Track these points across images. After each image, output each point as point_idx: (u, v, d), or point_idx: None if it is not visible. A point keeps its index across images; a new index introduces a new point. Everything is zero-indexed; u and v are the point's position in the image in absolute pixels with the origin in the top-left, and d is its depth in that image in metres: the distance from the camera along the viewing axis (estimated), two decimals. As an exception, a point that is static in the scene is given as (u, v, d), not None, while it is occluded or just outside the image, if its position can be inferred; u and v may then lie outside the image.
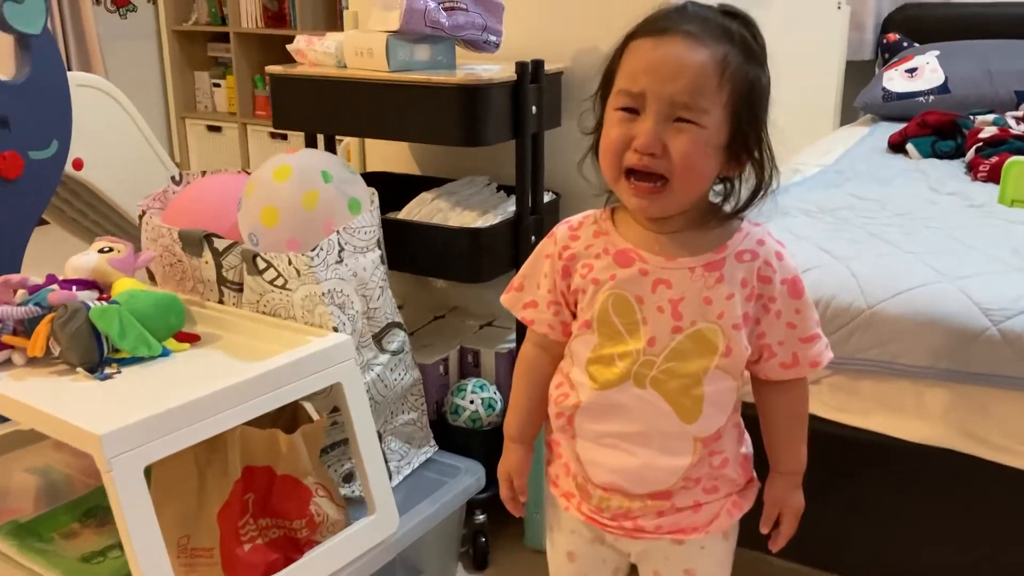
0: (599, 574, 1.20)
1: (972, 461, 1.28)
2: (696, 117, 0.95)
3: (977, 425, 1.27)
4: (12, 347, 1.41)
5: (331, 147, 1.99)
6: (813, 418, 1.37)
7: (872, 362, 1.33)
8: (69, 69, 4.23)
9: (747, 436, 1.16)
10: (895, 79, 2.81)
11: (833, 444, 1.37)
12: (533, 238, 1.74)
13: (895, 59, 3.02)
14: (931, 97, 2.70)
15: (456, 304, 2.05)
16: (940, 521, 1.35)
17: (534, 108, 1.70)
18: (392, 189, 1.98)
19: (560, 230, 1.11)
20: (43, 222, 2.53)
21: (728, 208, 1.04)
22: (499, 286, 1.76)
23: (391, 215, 1.87)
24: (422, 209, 1.77)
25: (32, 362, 1.40)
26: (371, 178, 2.07)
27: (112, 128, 2.73)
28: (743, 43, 0.98)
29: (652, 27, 0.99)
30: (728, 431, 1.08)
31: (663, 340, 1.02)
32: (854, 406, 1.36)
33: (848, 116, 3.05)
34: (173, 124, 4.76)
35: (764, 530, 1.13)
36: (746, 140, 0.99)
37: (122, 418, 1.17)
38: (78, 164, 2.65)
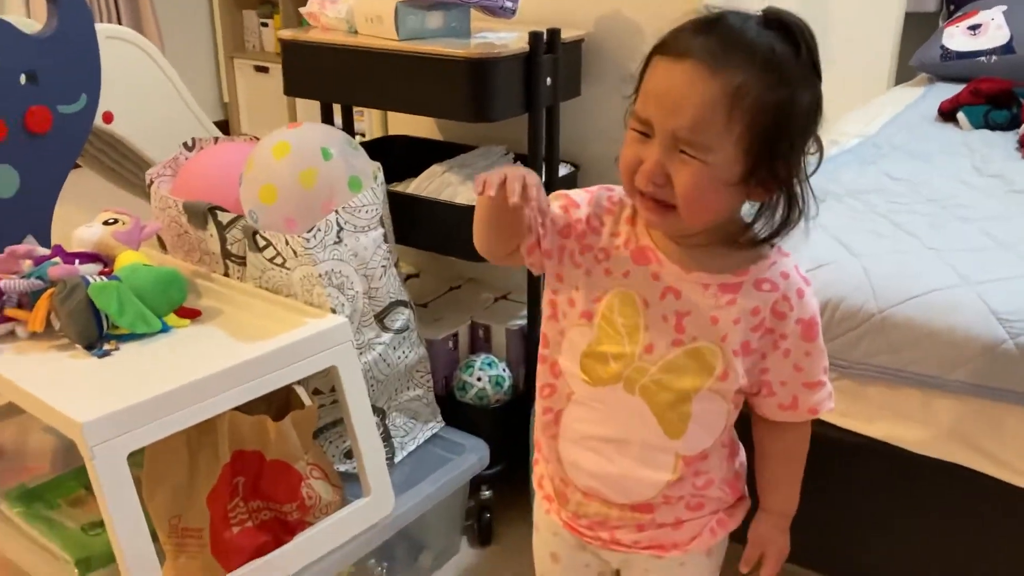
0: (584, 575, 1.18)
1: (979, 477, 1.22)
2: (699, 153, 0.89)
3: (987, 441, 1.21)
4: (15, 320, 1.43)
5: (348, 114, 1.95)
6: (820, 424, 1.34)
7: (881, 368, 1.27)
8: (117, 10, 4.24)
9: (741, 451, 1.12)
10: (956, 36, 2.64)
11: (834, 449, 1.32)
12: (546, 214, 1.69)
13: (960, 12, 2.84)
14: (993, 57, 2.53)
15: (472, 275, 2.01)
16: (939, 535, 1.31)
17: (549, 80, 1.63)
18: (412, 154, 1.94)
19: (603, 195, 1.03)
20: (77, 166, 2.54)
21: (755, 233, 0.97)
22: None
23: (406, 183, 1.84)
24: (432, 183, 1.72)
25: (35, 335, 1.42)
26: (390, 143, 2.03)
27: (142, 81, 2.72)
28: (771, 64, 0.88)
29: (672, 47, 0.91)
30: (716, 451, 1.04)
31: (660, 350, 0.98)
32: (859, 412, 1.31)
33: (904, 75, 2.89)
34: (222, 64, 4.75)
35: (743, 569, 1.09)
36: (772, 169, 0.91)
37: (106, 405, 1.18)
38: (108, 117, 2.66)
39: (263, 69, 4.60)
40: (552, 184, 1.72)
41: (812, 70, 0.92)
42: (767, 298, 0.97)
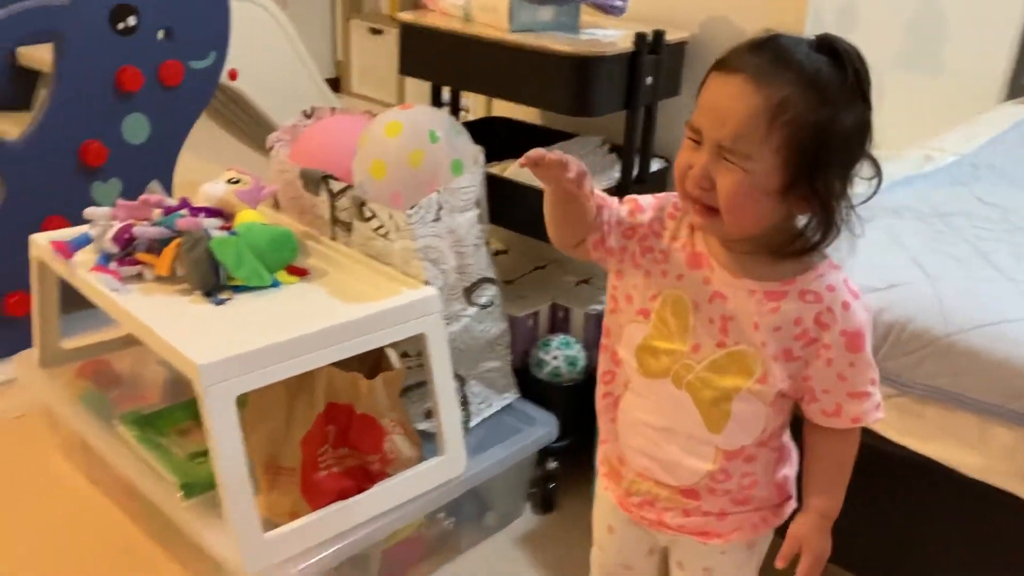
0: (636, 551, 1.27)
1: (1026, 505, 1.26)
2: (740, 161, 0.95)
3: (1040, 471, 1.25)
4: (145, 263, 1.59)
5: (456, 97, 2.05)
6: (873, 435, 1.39)
7: (940, 391, 1.31)
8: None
9: (793, 458, 1.18)
10: (1076, 55, 2.57)
11: (892, 462, 1.38)
12: (635, 207, 1.76)
13: (1085, 29, 2.75)
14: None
15: (557, 258, 2.10)
16: (984, 560, 1.34)
17: (649, 79, 1.70)
18: (512, 136, 2.04)
19: (670, 202, 1.11)
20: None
21: (799, 245, 1.02)
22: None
23: (504, 164, 1.94)
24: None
25: (160, 279, 1.57)
26: (493, 124, 2.13)
27: (266, 41, 2.89)
28: (815, 84, 0.94)
29: (727, 63, 0.98)
30: (762, 454, 1.11)
31: (706, 350, 1.06)
32: (916, 430, 1.35)
33: (1017, 91, 2.82)
34: (338, 24, 4.91)
35: (779, 565, 1.10)
36: (810, 186, 0.97)
37: (221, 351, 1.32)
38: (233, 74, 2.83)
39: (377, 31, 4.74)
40: (644, 177, 1.79)
41: (859, 95, 0.96)
42: (810, 309, 1.02)
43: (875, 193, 1.02)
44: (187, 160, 2.59)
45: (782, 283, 1.03)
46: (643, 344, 1.10)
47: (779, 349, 1.03)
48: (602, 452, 1.23)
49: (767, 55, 0.96)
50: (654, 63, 1.70)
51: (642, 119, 1.75)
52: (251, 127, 3.05)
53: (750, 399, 1.06)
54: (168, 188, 2.54)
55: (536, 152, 1.00)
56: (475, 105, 2.64)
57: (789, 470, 1.17)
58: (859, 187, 1.02)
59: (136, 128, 2.38)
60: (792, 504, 1.18)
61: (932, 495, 1.38)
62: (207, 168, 2.95)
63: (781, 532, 1.20)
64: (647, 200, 1.13)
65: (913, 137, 2.45)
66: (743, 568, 1.20)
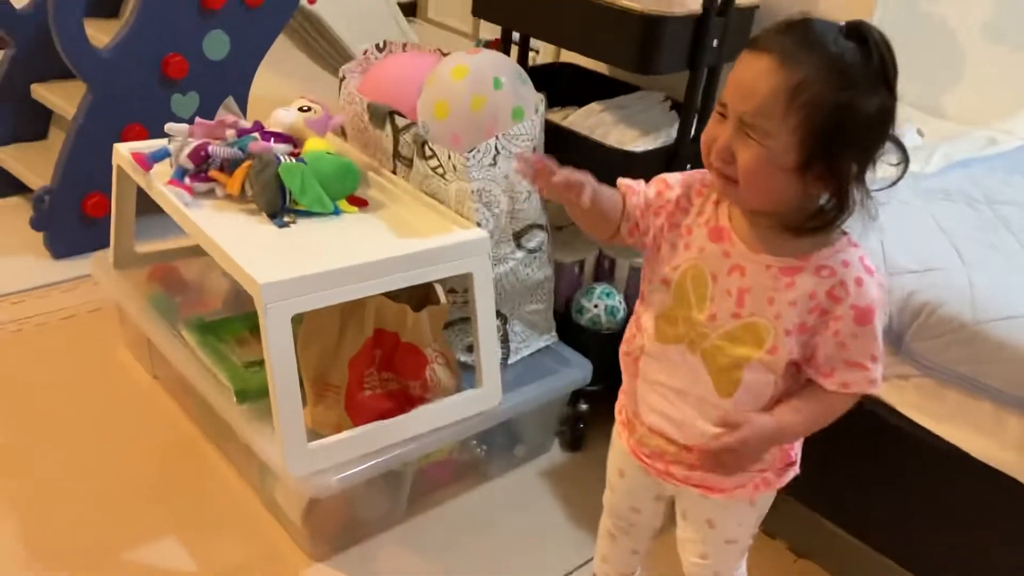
0: (643, 495, 1.36)
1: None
2: (759, 137, 1.00)
3: (1049, 463, 1.29)
4: (216, 181, 1.68)
5: (526, 39, 2.09)
6: (892, 411, 1.45)
7: (962, 376, 1.36)
8: None
9: None
10: None
11: (907, 441, 1.43)
12: (688, 166, 1.80)
13: None
14: None
15: (609, 207, 2.15)
16: (986, 540, 1.40)
17: (715, 42, 1.72)
18: (578, 82, 2.08)
19: (697, 176, 1.17)
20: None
21: (817, 222, 1.06)
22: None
23: (567, 110, 1.99)
24: (588, 120, 1.86)
25: (230, 197, 1.67)
26: (560, 69, 2.17)
27: (347, -31, 2.93)
28: (836, 67, 0.97)
29: (757, 42, 1.02)
30: None
31: (721, 320, 1.12)
32: (934, 411, 1.40)
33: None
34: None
35: (705, 451, 1.13)
36: (827, 165, 1.01)
37: (282, 272, 1.42)
38: (312, -1, 2.89)
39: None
40: (699, 137, 1.83)
41: (883, 82, 0.99)
42: (824, 283, 1.07)
43: (901, 178, 1.05)
44: (262, 74, 2.68)
45: (798, 259, 1.08)
46: (663, 312, 1.16)
47: (793, 323, 1.08)
48: (620, 403, 1.31)
49: (795, 37, 0.99)
50: (721, 25, 1.72)
51: (704, 80, 1.78)
52: (325, 49, 3.12)
53: (760, 368, 1.11)
54: (243, 105, 2.64)
55: (522, 157, 1.11)
56: (544, 48, 2.67)
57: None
58: (887, 170, 1.06)
59: (217, 45, 2.46)
60: (795, 470, 1.24)
61: (943, 475, 1.43)
62: (281, 83, 3.05)
63: (783, 492, 1.28)
64: (675, 178, 1.18)
65: (994, 113, 2.42)
66: (744, 523, 1.27)
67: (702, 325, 1.13)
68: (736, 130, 1.02)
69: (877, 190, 1.05)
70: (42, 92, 2.53)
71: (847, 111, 0.99)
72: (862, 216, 1.06)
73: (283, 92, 2.38)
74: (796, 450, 1.25)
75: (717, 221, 1.13)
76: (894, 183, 1.06)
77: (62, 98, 2.48)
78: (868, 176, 1.04)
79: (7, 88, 2.52)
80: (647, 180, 1.71)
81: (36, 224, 2.36)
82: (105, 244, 2.33)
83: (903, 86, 2.82)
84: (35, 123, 2.62)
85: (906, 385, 1.43)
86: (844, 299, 1.07)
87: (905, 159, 1.04)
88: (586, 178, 1.12)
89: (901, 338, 1.41)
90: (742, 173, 1.02)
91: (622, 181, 1.20)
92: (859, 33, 1.00)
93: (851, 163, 1.01)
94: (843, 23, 1.01)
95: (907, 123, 2.28)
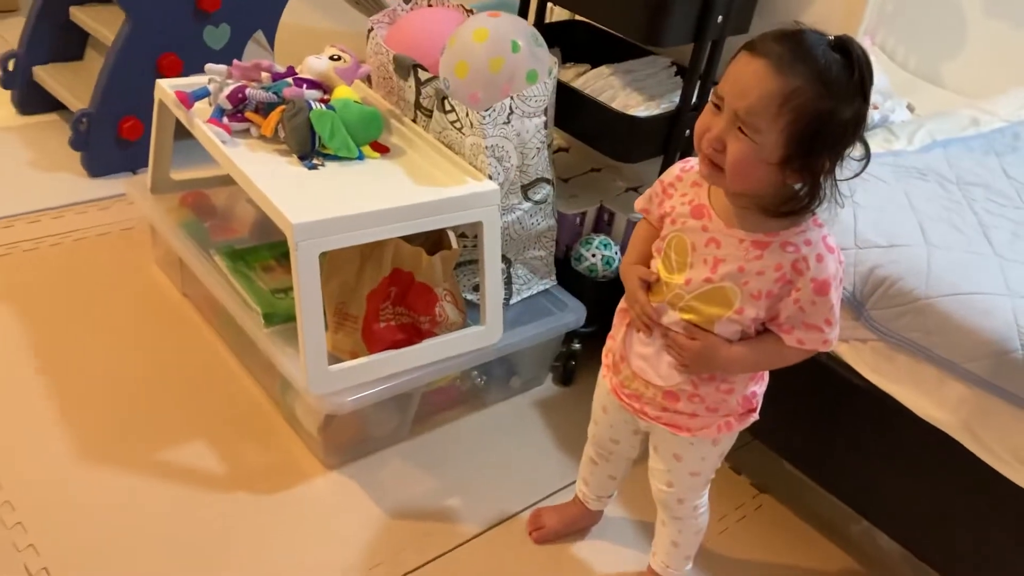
0: (623, 429, 1.55)
1: (964, 452, 1.48)
2: (751, 132, 1.14)
3: (978, 425, 1.47)
4: (252, 122, 1.83)
5: (542, 6, 2.19)
6: (850, 370, 1.62)
7: (912, 343, 1.52)
8: None
9: (764, 381, 1.42)
10: None
11: (862, 398, 1.61)
12: (688, 131, 1.94)
13: None
14: None
15: (612, 163, 2.30)
16: (924, 486, 1.58)
17: (720, 18, 1.84)
18: (592, 41, 2.20)
19: (675, 168, 1.36)
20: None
21: (787, 207, 1.22)
22: (649, 164, 2.01)
23: (580, 67, 2.12)
24: (597, 82, 1.99)
25: (263, 138, 1.81)
26: (575, 27, 2.28)
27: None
28: (824, 79, 1.11)
29: (755, 46, 1.16)
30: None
31: (696, 284, 1.29)
32: (887, 371, 1.57)
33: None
34: None
35: (672, 338, 1.33)
36: (804, 162, 1.16)
37: (312, 213, 1.58)
38: (341, -63, 2.96)
39: None
40: (700, 105, 1.96)
41: (860, 93, 1.14)
42: (789, 257, 1.23)
43: (862, 171, 1.21)
44: (291, 5, 2.78)
45: (768, 235, 1.24)
46: (656, 275, 1.34)
47: (759, 289, 1.25)
48: (607, 346, 1.48)
49: (790, 46, 1.13)
50: (727, 2, 1.83)
51: (708, 52, 1.90)
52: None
53: (730, 324, 1.29)
54: (271, 38, 2.75)
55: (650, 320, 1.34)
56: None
57: (758, 387, 1.41)
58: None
59: (249, -20, 2.57)
60: (755, 416, 1.42)
61: (890, 429, 1.61)
62: (309, 14, 3.14)
63: (751, 435, 1.46)
64: (665, 175, 1.36)
65: (990, 87, 2.54)
66: (707, 458, 1.46)
67: (679, 287, 1.30)
68: (729, 123, 1.16)
69: (842, 180, 1.21)
70: (80, 16, 2.64)
71: (829, 117, 1.14)
72: (831, 204, 1.22)
73: (308, 23, 2.45)
74: (758, 398, 1.43)
75: (698, 200, 1.29)
76: (856, 175, 1.21)
77: (99, 22, 2.60)
78: (837, 170, 1.20)
79: (47, 11, 2.64)
80: (647, 139, 1.90)
81: (74, 144, 2.50)
82: (137, 166, 2.49)
83: (906, 55, 2.94)
84: (72, 45, 2.75)
85: (864, 347, 1.60)
86: (805, 272, 1.24)
87: (867, 155, 1.20)
88: (646, 298, 1.35)
89: (862, 306, 1.58)
90: (730, 163, 1.17)
91: (637, 207, 1.42)
92: (844, 48, 1.14)
93: (825, 160, 1.17)
94: (831, 36, 1.16)
95: (900, 98, 2.42)
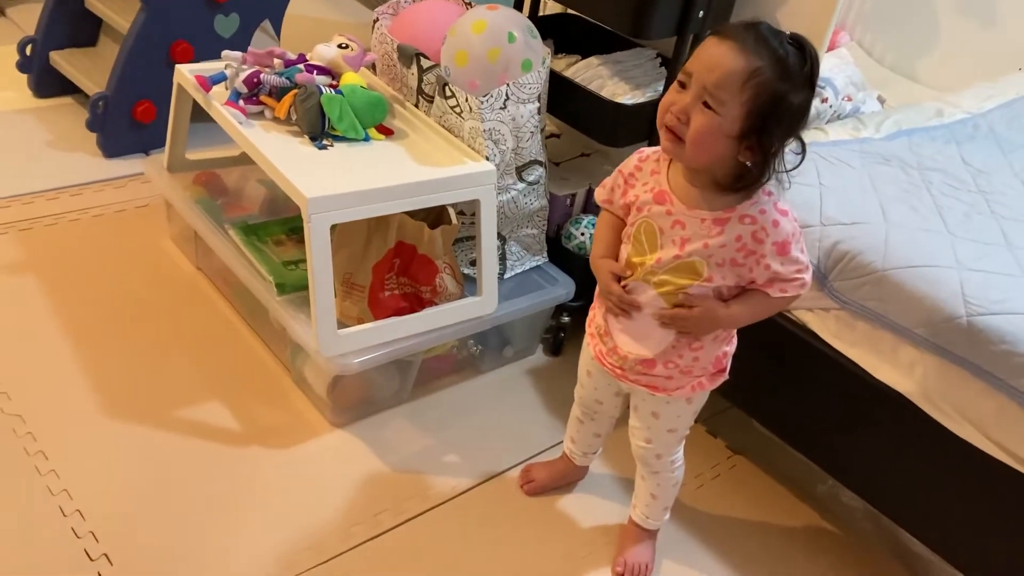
0: (606, 391, 1.70)
1: (917, 410, 1.64)
2: (715, 105, 1.28)
3: (929, 386, 1.62)
4: (266, 105, 1.97)
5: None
6: (815, 337, 1.77)
7: (870, 311, 1.68)
8: None
9: (734, 342, 1.57)
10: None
11: (825, 361, 1.76)
12: (671, 118, 2.09)
13: None
14: None
15: (601, 148, 2.44)
16: (881, 444, 1.73)
17: (701, 13, 1.99)
18: (584, 32, 2.35)
19: (633, 158, 1.50)
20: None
21: (742, 183, 1.36)
22: (635, 149, 2.15)
23: (571, 58, 2.26)
24: (587, 72, 2.14)
25: (277, 120, 1.95)
26: (568, 19, 2.42)
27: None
28: (782, 65, 1.26)
29: (723, 31, 1.30)
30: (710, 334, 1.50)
31: (666, 261, 1.43)
32: (847, 338, 1.72)
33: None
34: None
35: (663, 314, 1.45)
36: (758, 139, 1.30)
37: (324, 188, 1.72)
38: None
39: None
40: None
41: (809, 84, 1.29)
42: (748, 229, 1.38)
43: (800, 163, 1.35)
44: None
45: (725, 211, 1.38)
46: (628, 258, 1.49)
47: (724, 259, 1.40)
48: (591, 316, 1.63)
49: (753, 33, 1.28)
50: (708, -1, 1.98)
51: (690, 45, 2.05)
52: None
53: (701, 289, 1.43)
54: (278, 27, 2.88)
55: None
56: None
57: (729, 348, 1.56)
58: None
59: (256, -29, 2.70)
60: (725, 376, 1.57)
61: (852, 391, 1.75)
62: (313, 4, 3.27)
63: (721, 396, 1.61)
64: (623, 166, 1.50)
65: (961, 83, 2.69)
66: (682, 415, 1.61)
67: (652, 266, 1.44)
68: (695, 98, 1.30)
69: (787, 171, 1.36)
70: (95, 3, 2.77)
71: (783, 98, 1.29)
72: (778, 184, 1.37)
73: (313, 12, 2.56)
74: (727, 360, 1.58)
75: (659, 187, 1.43)
76: (796, 167, 1.36)
77: (113, 10, 2.73)
78: (782, 153, 1.34)
79: (64, -1, 2.77)
80: (632, 125, 2.04)
81: (91, 126, 2.63)
82: (150, 147, 2.62)
83: (883, 51, 3.10)
84: (87, 31, 2.88)
85: (827, 316, 1.75)
86: (765, 240, 1.39)
87: (804, 150, 1.35)
88: (619, 289, 1.48)
89: (825, 277, 1.73)
90: (692, 134, 1.30)
91: (599, 199, 1.55)
92: (799, 43, 1.30)
93: (775, 139, 1.31)
94: (788, 32, 1.31)
95: (872, 90, 2.57)
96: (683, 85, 1.32)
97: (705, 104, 1.29)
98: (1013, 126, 2.32)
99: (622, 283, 1.49)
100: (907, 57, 2.96)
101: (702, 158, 1.34)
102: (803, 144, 1.35)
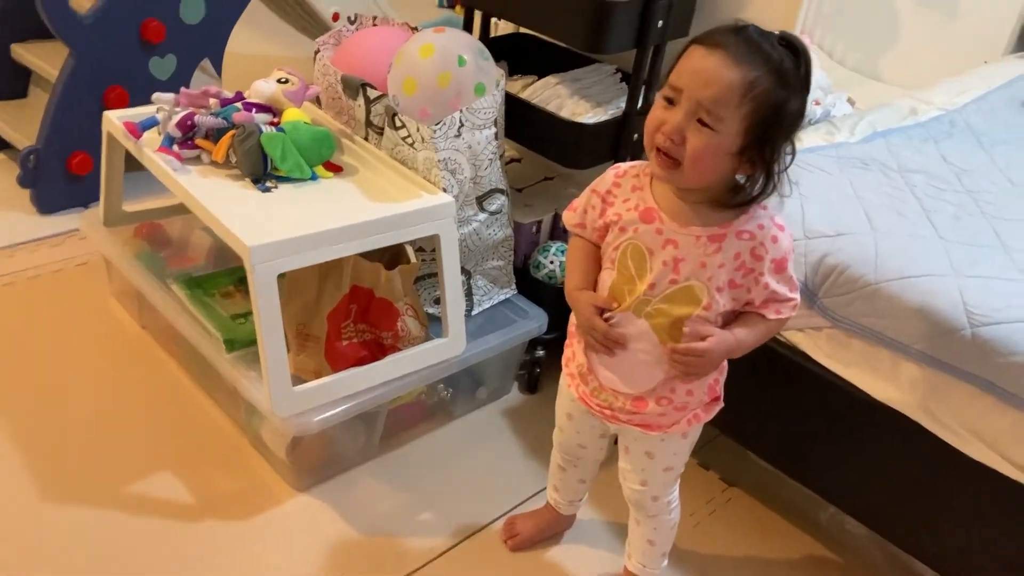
0: (589, 434, 1.56)
1: (922, 430, 1.52)
2: (713, 123, 1.17)
3: (933, 404, 1.50)
4: (202, 148, 1.83)
5: (487, 21, 2.22)
6: (807, 359, 1.66)
7: (865, 328, 1.56)
8: None
9: (725, 368, 1.45)
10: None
11: (818, 383, 1.64)
12: (636, 135, 1.98)
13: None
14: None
15: (565, 171, 2.32)
16: (884, 468, 1.62)
17: (660, 23, 1.88)
18: (539, 51, 2.24)
19: (609, 175, 1.37)
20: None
21: (739, 197, 1.25)
22: (599, 170, 2.04)
23: (527, 79, 2.14)
24: (544, 92, 2.02)
25: (215, 164, 1.81)
26: (522, 39, 2.31)
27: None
28: (780, 71, 1.16)
29: (710, 39, 1.19)
30: None
31: (661, 287, 1.30)
32: (842, 357, 1.61)
33: (1024, 44, 2.94)
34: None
35: (676, 351, 1.30)
36: (760, 152, 1.20)
37: (268, 235, 1.58)
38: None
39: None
40: (647, 110, 1.99)
41: (806, 86, 1.19)
42: (746, 245, 1.27)
43: (790, 165, 1.25)
44: (236, 30, 2.78)
45: (721, 227, 1.27)
46: (611, 287, 1.35)
47: (724, 281, 1.28)
48: (567, 355, 1.49)
49: (743, 39, 1.17)
50: (666, 7, 1.88)
51: (650, 57, 1.94)
52: (299, 14, 3.22)
53: (700, 322, 1.31)
54: (218, 66, 2.75)
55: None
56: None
57: (720, 375, 1.44)
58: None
59: (192, 9, 2.57)
60: (720, 404, 1.45)
61: (851, 414, 1.64)
62: (252, 39, 3.14)
63: (711, 424, 1.49)
64: (598, 184, 1.37)
65: (926, 77, 2.62)
66: (679, 452, 1.48)
67: (644, 293, 1.31)
68: (689, 115, 1.18)
69: (779, 172, 1.24)
70: (22, 52, 2.62)
71: (783, 107, 1.18)
72: (778, 194, 1.26)
73: (254, 49, 2.44)
74: (719, 387, 1.45)
75: (645, 204, 1.31)
76: (786, 168, 1.25)
77: (41, 58, 2.59)
78: (780, 164, 1.23)
79: (-12, 49, 2.62)
80: (595, 145, 1.92)
81: (23, 182, 2.48)
82: (89, 200, 2.47)
83: (844, 53, 3.04)
84: (15, 82, 2.72)
85: (819, 335, 1.64)
86: (764, 256, 1.28)
87: (793, 149, 1.24)
88: (604, 325, 1.34)
89: (815, 294, 1.61)
90: (691, 155, 1.19)
91: (569, 224, 1.42)
92: (790, 43, 1.19)
93: (774, 149, 1.20)
94: (777, 32, 1.20)
95: (840, 92, 2.48)
96: (670, 101, 1.21)
97: (700, 122, 1.18)
98: (990, 120, 2.23)
99: (605, 316, 1.36)
100: (869, 56, 2.89)
101: (702, 179, 1.23)
102: (793, 146, 1.24)
